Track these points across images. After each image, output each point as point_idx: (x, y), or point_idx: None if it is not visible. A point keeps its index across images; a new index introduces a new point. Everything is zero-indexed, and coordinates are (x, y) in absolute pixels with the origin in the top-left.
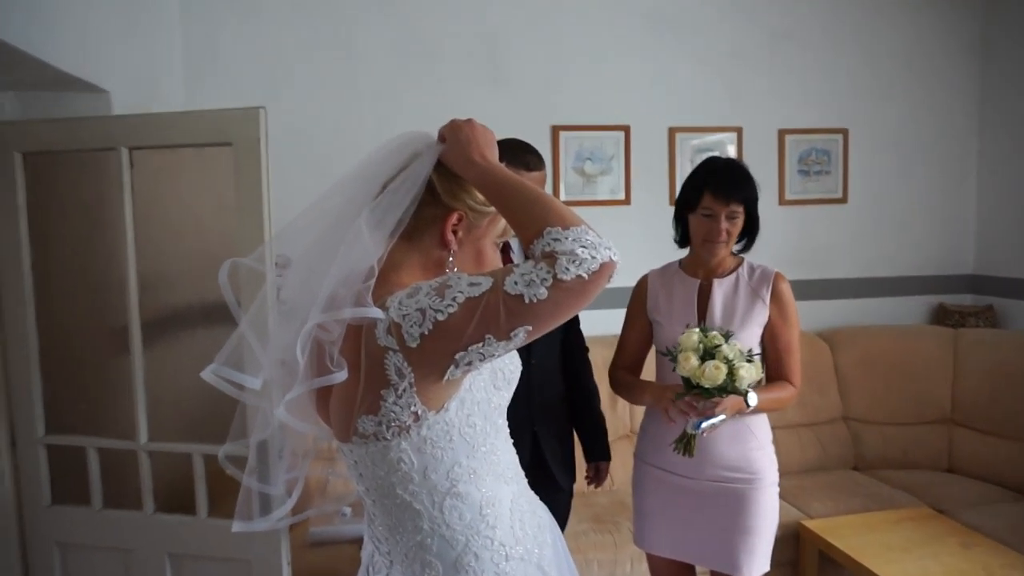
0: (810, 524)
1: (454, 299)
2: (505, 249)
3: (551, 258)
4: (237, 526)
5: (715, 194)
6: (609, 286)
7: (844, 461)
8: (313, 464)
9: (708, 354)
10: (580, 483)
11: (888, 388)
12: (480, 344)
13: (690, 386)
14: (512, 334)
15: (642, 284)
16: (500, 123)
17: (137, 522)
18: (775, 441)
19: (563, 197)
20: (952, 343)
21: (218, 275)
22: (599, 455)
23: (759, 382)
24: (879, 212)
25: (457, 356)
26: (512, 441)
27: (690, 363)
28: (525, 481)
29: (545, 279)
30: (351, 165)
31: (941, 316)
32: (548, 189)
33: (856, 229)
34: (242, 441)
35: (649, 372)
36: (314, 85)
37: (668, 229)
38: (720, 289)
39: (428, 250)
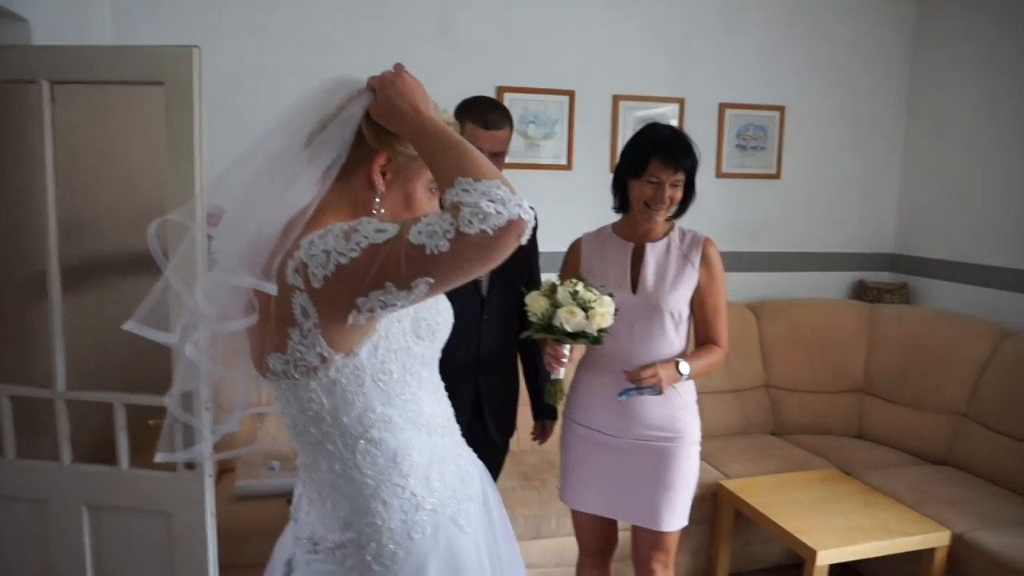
0: (728, 484)
1: (358, 244)
2: None
3: (456, 209)
4: (159, 456)
5: (663, 162)
6: (553, 250)
7: (764, 426)
8: (241, 419)
9: (564, 302)
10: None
11: (808, 358)
12: (380, 292)
13: (549, 330)
14: (413, 284)
15: (575, 248)
16: (445, 82)
17: (53, 473)
18: (700, 404)
19: (505, 160)
20: (869, 318)
21: (147, 232)
22: (546, 413)
23: (611, 326)
24: (809, 190)
25: (358, 301)
26: (448, 395)
27: (539, 304)
28: (457, 436)
29: (448, 231)
30: (280, 111)
31: (860, 291)
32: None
33: (787, 205)
34: (180, 389)
35: None
36: (253, 31)
37: (609, 195)
38: (652, 253)
39: (356, 192)
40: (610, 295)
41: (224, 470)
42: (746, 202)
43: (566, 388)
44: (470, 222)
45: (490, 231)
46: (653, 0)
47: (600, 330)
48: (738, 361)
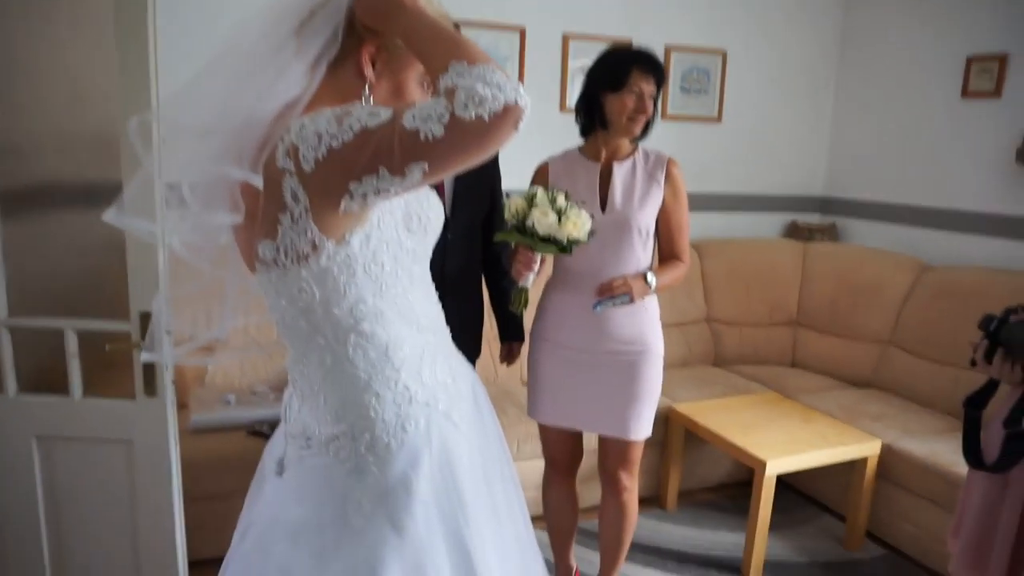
0: (678, 407)
1: (350, 127)
2: None
3: (451, 94)
4: (145, 355)
5: (643, 72)
6: (509, 187)
7: (706, 357)
8: (192, 355)
9: (540, 204)
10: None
11: (747, 294)
12: (374, 177)
13: (522, 234)
14: (407, 170)
15: (543, 170)
16: None
17: None
18: None
19: None
20: (802, 255)
21: (128, 127)
22: (512, 335)
23: (590, 235)
24: (748, 134)
25: (351, 187)
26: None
27: (517, 204)
28: (447, 338)
29: (442, 115)
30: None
31: (793, 232)
32: None
33: (728, 147)
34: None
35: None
36: None
37: (559, 135)
38: (620, 172)
39: (346, 83)
40: (591, 216)
41: (178, 407)
42: (690, 144)
43: (534, 308)
44: (466, 106)
45: (486, 116)
46: None
47: (570, 240)
48: (682, 297)
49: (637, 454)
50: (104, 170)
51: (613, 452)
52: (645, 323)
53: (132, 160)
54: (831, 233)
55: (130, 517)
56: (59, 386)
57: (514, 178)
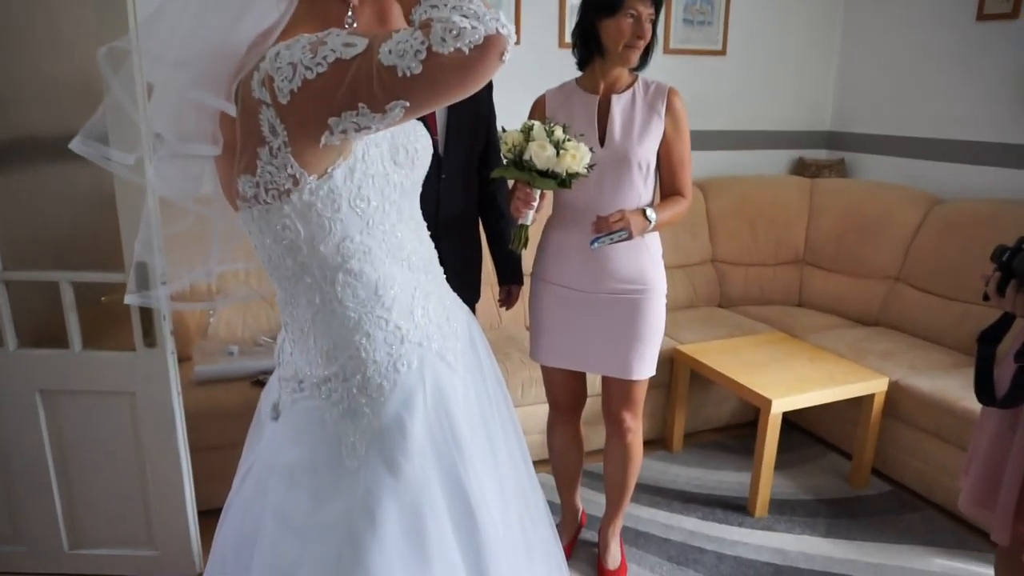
0: (683, 348)
1: (324, 58)
2: None
3: (427, 27)
4: (128, 298)
5: None
6: (507, 126)
7: (711, 299)
8: (187, 302)
9: (538, 137)
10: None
11: (753, 233)
12: (353, 112)
13: (520, 169)
14: (387, 107)
15: (540, 103)
16: None
17: None
18: None
19: None
20: (809, 192)
21: (97, 54)
22: (511, 278)
23: (590, 168)
24: (753, 67)
25: (330, 121)
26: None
27: (514, 137)
28: (440, 277)
29: (419, 51)
30: None
31: (800, 168)
32: None
33: (733, 82)
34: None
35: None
36: None
37: (558, 71)
38: (619, 104)
39: (327, 7)
40: (590, 150)
41: (181, 359)
42: (693, 79)
43: (534, 249)
44: (443, 40)
45: (466, 49)
46: None
47: (570, 174)
48: (686, 237)
49: (640, 394)
50: (87, 118)
51: (616, 392)
52: (646, 261)
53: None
54: (839, 169)
55: (137, 469)
56: (60, 341)
57: (513, 118)
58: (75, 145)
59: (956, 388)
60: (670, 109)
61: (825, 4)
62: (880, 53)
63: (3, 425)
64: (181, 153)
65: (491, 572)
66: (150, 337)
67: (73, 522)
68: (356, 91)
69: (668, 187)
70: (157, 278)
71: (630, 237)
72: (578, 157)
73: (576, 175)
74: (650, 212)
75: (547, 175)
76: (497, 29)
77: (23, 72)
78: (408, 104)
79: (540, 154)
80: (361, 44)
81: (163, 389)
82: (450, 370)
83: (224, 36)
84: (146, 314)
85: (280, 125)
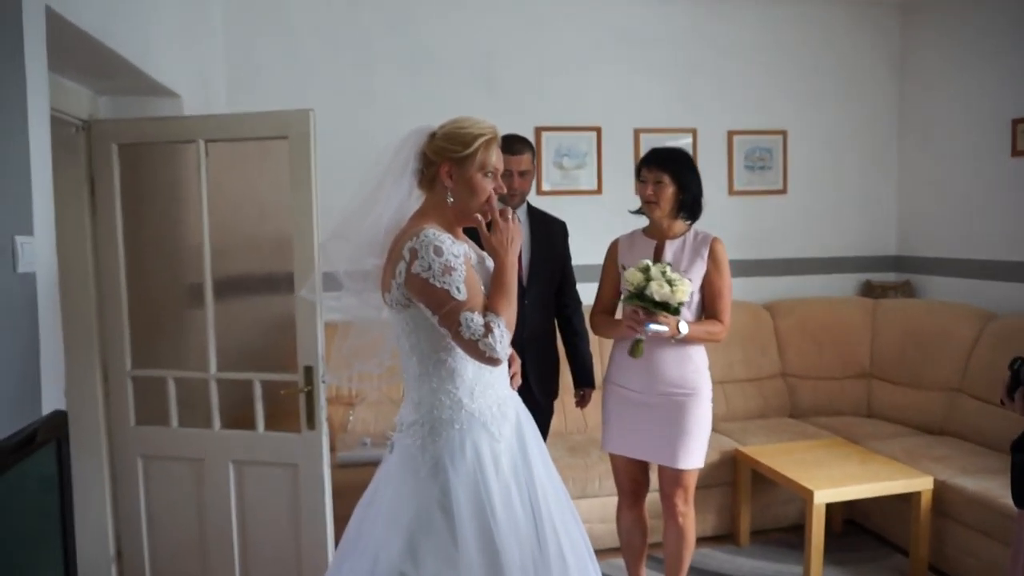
0: (744, 449)
1: (444, 283)
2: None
3: (488, 328)
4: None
5: (645, 165)
6: (587, 263)
7: (782, 410)
8: (336, 408)
9: (655, 277)
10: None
11: (819, 349)
12: (431, 313)
13: (638, 298)
14: (441, 328)
15: (613, 245)
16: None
17: (206, 437)
18: (724, 393)
19: (545, 188)
20: (872, 311)
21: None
22: (584, 382)
23: (688, 304)
24: (814, 202)
25: (416, 301)
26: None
27: (636, 277)
28: (505, 383)
29: (475, 334)
30: (379, 154)
31: (867, 290)
32: (533, 181)
33: (794, 216)
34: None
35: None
36: (334, 91)
37: (634, 219)
38: (671, 248)
39: (438, 194)
40: (689, 280)
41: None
42: (757, 215)
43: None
44: (488, 343)
45: (485, 351)
46: (660, 45)
47: (679, 303)
48: (756, 353)
49: (689, 482)
50: (279, 264)
51: (668, 479)
52: (690, 371)
53: (303, 260)
54: (906, 290)
55: (294, 527)
56: (249, 422)
57: (592, 253)
58: (304, 293)
59: (998, 487)
60: (712, 253)
61: (876, 143)
62: (933, 183)
63: (205, 487)
64: (357, 291)
65: None
66: (311, 421)
67: (246, 564)
68: (439, 315)
69: (708, 313)
70: (319, 377)
71: (669, 332)
72: (685, 291)
73: (681, 303)
74: (683, 324)
75: (661, 305)
76: (484, 349)
77: (237, 232)
78: (451, 337)
79: (659, 290)
80: (462, 296)
81: (317, 463)
82: (492, 439)
83: (392, 219)
84: (309, 403)
85: (402, 276)
